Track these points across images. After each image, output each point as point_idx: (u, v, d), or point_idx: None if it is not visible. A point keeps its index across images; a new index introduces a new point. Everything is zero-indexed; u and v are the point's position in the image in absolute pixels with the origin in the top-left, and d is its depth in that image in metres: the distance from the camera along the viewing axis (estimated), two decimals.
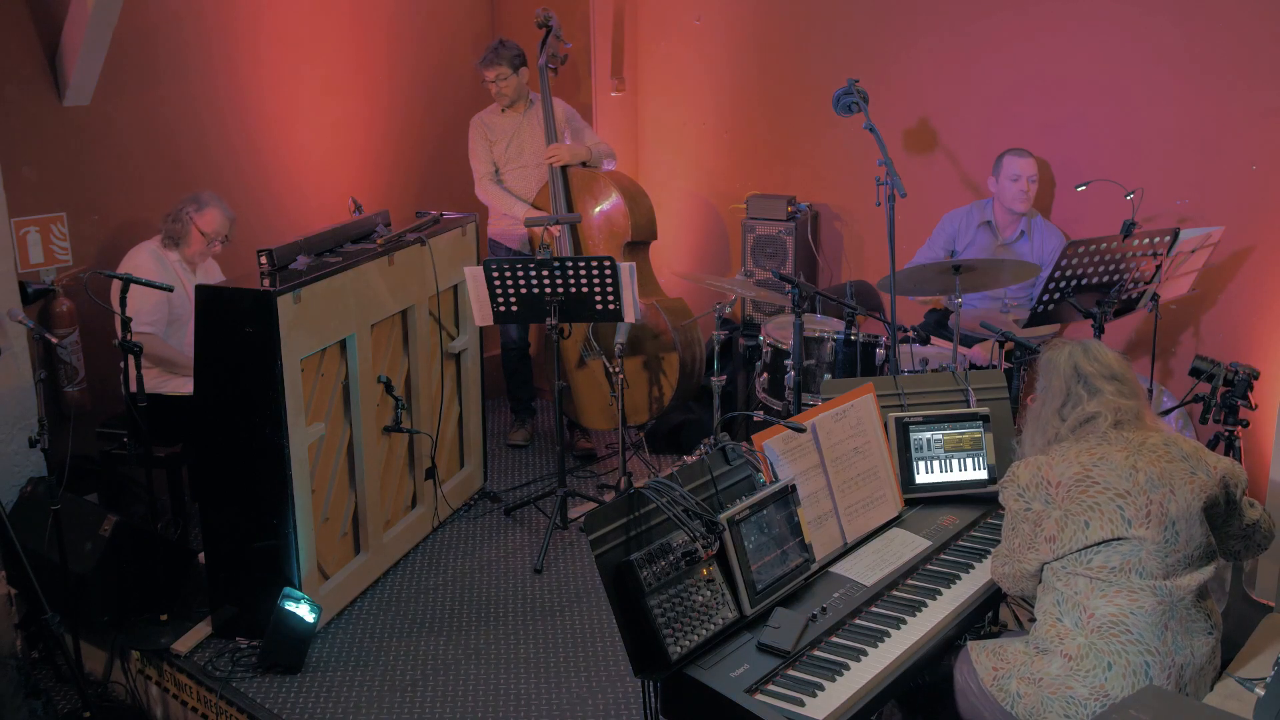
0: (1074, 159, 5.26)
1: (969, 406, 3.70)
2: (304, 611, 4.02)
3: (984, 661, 3.01)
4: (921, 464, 3.60)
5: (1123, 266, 4.40)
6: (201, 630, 4.20)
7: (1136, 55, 5.02)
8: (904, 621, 3.03)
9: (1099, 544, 2.85)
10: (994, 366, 4.78)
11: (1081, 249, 4.28)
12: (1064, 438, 3.01)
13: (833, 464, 3.35)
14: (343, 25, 5.97)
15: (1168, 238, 4.41)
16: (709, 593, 2.81)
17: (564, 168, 5.57)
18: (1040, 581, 3.00)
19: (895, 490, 3.54)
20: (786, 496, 3.06)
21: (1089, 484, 2.87)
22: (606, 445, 6.00)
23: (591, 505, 5.18)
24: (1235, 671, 3.03)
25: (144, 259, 4.75)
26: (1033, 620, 3.07)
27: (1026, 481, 2.96)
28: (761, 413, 4.86)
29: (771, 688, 2.72)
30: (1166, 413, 4.82)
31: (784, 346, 4.96)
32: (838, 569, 3.22)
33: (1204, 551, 2.91)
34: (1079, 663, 2.84)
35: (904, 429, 3.60)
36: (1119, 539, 2.83)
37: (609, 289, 4.67)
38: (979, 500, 3.63)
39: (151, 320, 4.64)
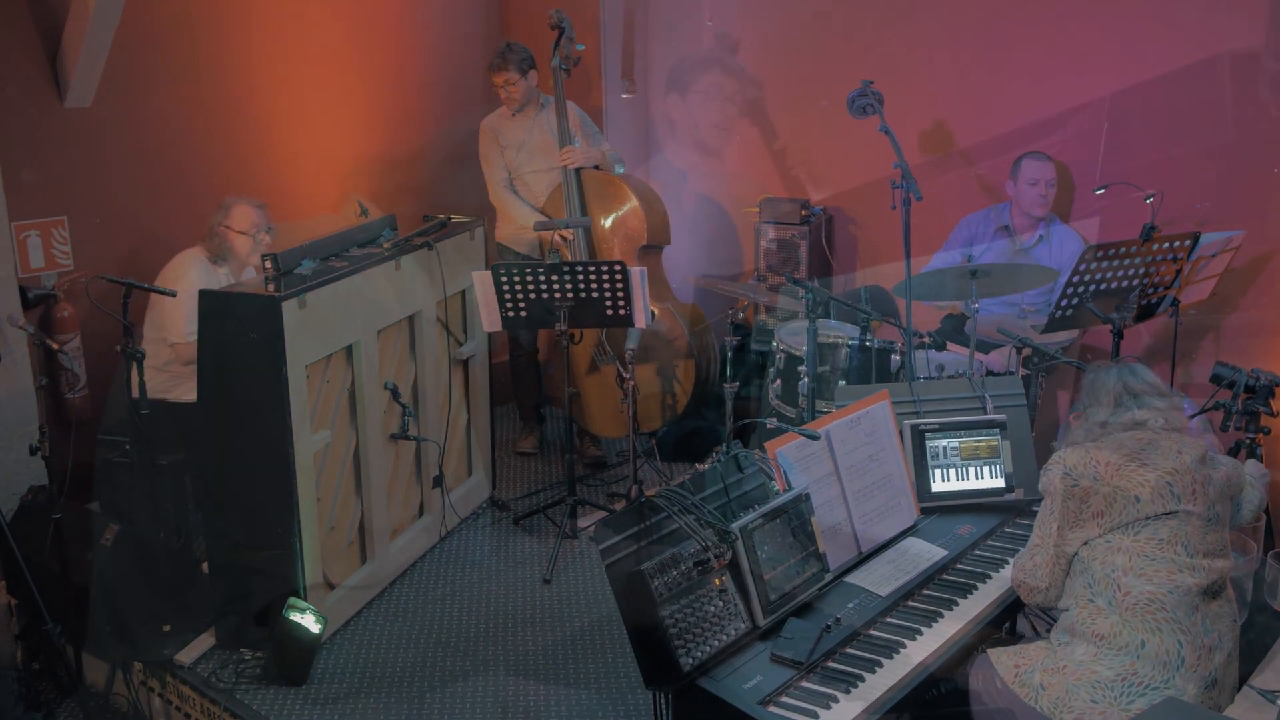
0: (1093, 162, 5.20)
1: (986, 414, 3.68)
2: (309, 622, 3.98)
3: (1005, 661, 3.02)
4: (938, 472, 3.59)
5: (1142, 271, 4.36)
6: (205, 641, 4.17)
7: (1155, 57, 4.97)
8: (920, 632, 3.03)
9: (1149, 518, 2.90)
10: (1011, 373, 4.73)
11: (1100, 253, 4.25)
12: (1114, 433, 3.07)
13: (847, 472, 3.33)
14: (348, 27, 5.94)
15: (1188, 242, 4.37)
16: (721, 603, 2.80)
17: (578, 170, 5.52)
18: (1068, 574, 3.01)
19: (911, 498, 3.52)
20: (800, 505, 3.05)
21: (1139, 464, 2.94)
22: (617, 453, 5.95)
23: (602, 514, 5.14)
24: (1255, 682, 3.01)
25: (195, 275, 4.55)
26: (1049, 631, 3.08)
27: (1074, 462, 3.00)
28: (774, 420, 4.88)
29: (785, 699, 2.72)
30: (1190, 418, 4.76)
31: (797, 352, 4.92)
32: (852, 579, 3.22)
33: (1225, 542, 3.02)
34: (1110, 642, 2.87)
35: (920, 436, 3.59)
36: (1169, 513, 2.89)
37: (619, 294, 4.62)
38: (996, 509, 3.63)
39: (193, 330, 4.53)
